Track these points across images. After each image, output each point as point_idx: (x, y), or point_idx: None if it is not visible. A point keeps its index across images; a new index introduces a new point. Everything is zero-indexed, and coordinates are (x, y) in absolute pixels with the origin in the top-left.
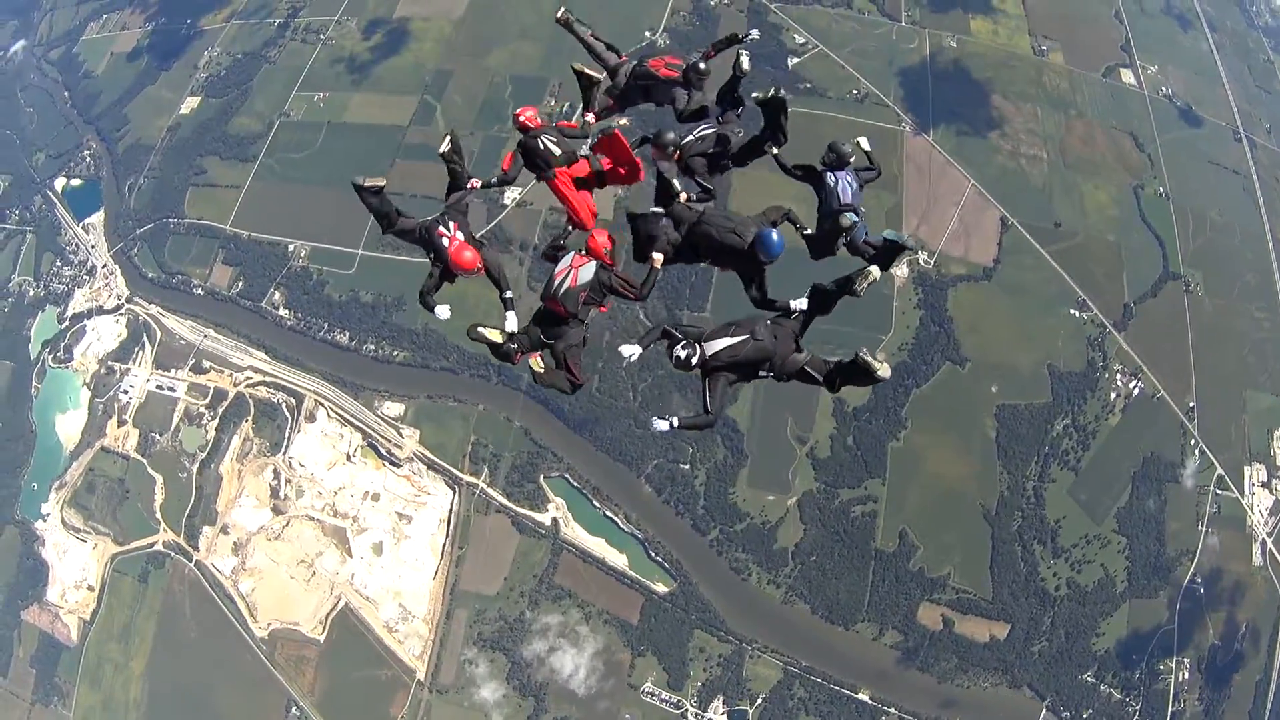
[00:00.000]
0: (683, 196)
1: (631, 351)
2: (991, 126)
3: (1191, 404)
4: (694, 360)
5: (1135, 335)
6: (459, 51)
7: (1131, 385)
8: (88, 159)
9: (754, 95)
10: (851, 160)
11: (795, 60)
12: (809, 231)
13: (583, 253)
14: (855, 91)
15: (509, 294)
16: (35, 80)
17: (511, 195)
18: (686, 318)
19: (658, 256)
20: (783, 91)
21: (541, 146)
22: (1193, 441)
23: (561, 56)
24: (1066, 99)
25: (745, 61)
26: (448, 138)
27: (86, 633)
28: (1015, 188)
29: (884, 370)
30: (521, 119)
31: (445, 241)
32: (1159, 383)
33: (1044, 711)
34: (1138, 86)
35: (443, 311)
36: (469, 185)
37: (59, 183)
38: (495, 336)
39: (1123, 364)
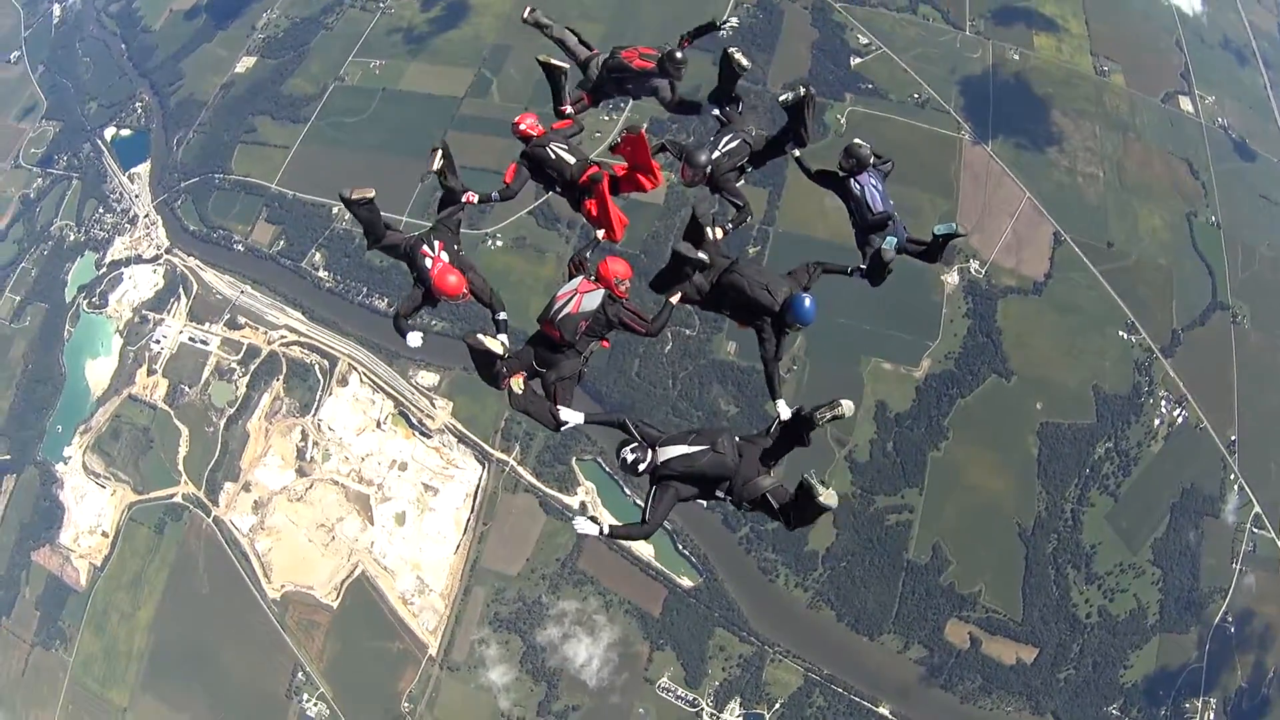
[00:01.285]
0: (717, 234)
1: (570, 418)
2: (1050, 142)
3: (1233, 438)
4: (642, 467)
5: (1181, 363)
6: (518, 27)
7: (1175, 414)
8: (139, 110)
9: (780, 99)
10: (871, 160)
11: (858, 60)
12: (859, 266)
13: (593, 279)
14: (916, 96)
15: (503, 315)
16: (94, 32)
17: None
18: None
19: (677, 295)
20: (811, 89)
21: (553, 155)
22: (1232, 476)
23: (622, 39)
24: (1125, 121)
25: (742, 58)
26: (438, 152)
27: (96, 579)
28: (1070, 204)
29: (829, 498)
30: (522, 127)
31: (428, 263)
32: (1202, 413)
33: None
34: (1195, 115)
35: (414, 339)
36: (464, 199)
37: (108, 132)
38: (496, 347)
39: (1168, 391)
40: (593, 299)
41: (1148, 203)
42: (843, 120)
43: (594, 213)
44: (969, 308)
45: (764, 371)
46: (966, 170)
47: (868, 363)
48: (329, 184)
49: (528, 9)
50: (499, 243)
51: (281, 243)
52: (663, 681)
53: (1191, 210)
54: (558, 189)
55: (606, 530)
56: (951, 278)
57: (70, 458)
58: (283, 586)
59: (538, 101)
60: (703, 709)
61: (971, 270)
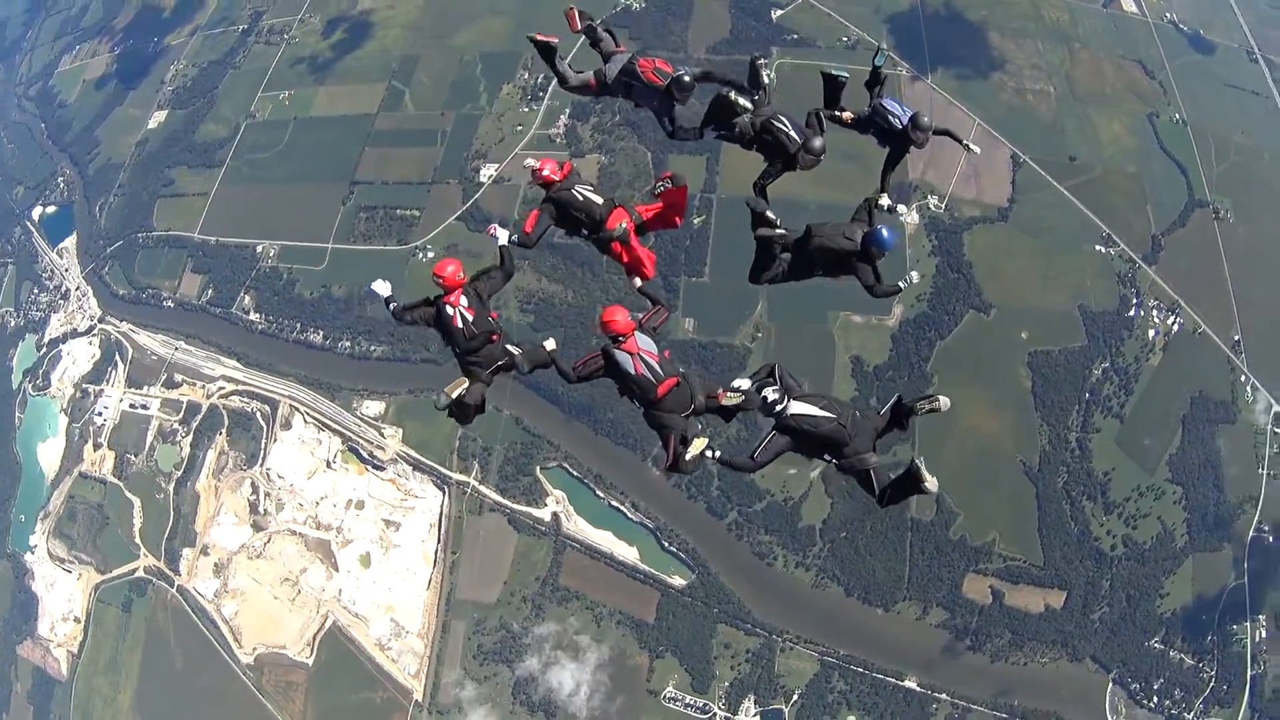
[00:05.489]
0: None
1: (740, 384)
2: (993, 67)
3: (1236, 337)
4: (779, 408)
5: (1167, 268)
6: (425, 34)
7: (1170, 321)
8: (62, 185)
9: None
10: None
11: (779, 12)
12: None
13: (620, 340)
14: (845, 39)
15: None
16: (15, 117)
17: (487, 172)
18: (684, 284)
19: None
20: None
21: (580, 197)
22: (1243, 378)
23: (533, 29)
24: (1068, 31)
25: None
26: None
27: (75, 667)
28: (1024, 124)
29: (932, 484)
30: (545, 173)
31: (453, 312)
32: (1199, 317)
33: (1110, 685)
34: (1140, 14)
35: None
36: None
37: (36, 212)
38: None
39: (1157, 299)
40: (647, 345)
41: (1105, 110)
42: (772, 75)
43: (625, 258)
44: (934, 245)
45: (877, 297)
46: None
47: (836, 317)
48: (250, 224)
49: (579, 21)
50: (430, 254)
51: (209, 291)
52: (668, 691)
53: (1152, 111)
54: (584, 232)
55: (718, 454)
56: (911, 216)
57: (36, 546)
58: (255, 649)
59: (453, 104)
60: (715, 714)
61: (931, 205)
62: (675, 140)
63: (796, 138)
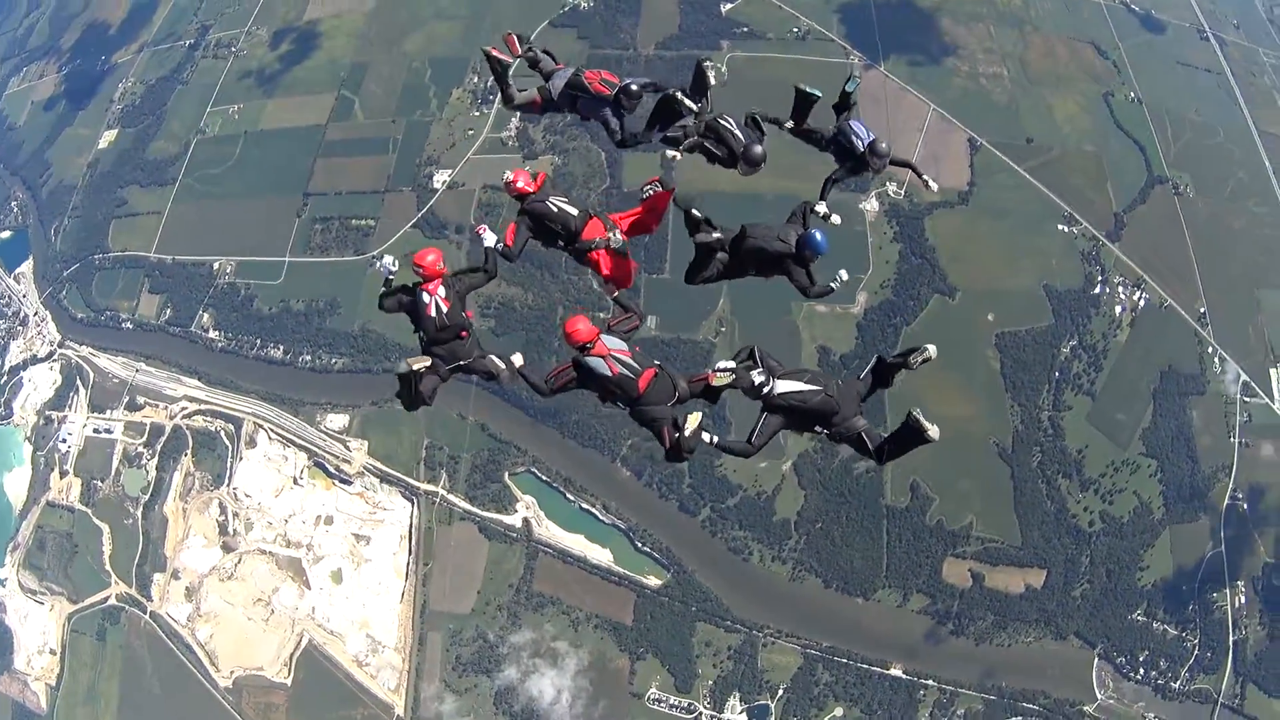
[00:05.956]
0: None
1: (726, 365)
2: (945, 52)
3: (1202, 310)
4: (765, 390)
5: (1130, 244)
6: (374, 42)
7: (1136, 297)
8: (15, 209)
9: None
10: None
11: (729, 5)
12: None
13: (588, 348)
14: (796, 30)
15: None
16: None
17: (441, 178)
18: (645, 281)
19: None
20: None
21: (555, 209)
22: (1210, 349)
23: (481, 34)
24: (1019, 14)
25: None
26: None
27: (54, 700)
28: (979, 108)
29: (934, 432)
30: (519, 185)
31: (429, 300)
32: (1164, 291)
33: (1096, 660)
34: None
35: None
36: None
37: None
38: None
39: (1123, 275)
40: (615, 344)
41: (1059, 91)
42: (723, 69)
43: (604, 268)
44: (895, 231)
45: (810, 298)
46: (864, 96)
47: (800, 308)
48: (206, 241)
49: (520, 46)
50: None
51: (168, 311)
52: (652, 692)
53: (1107, 90)
54: (560, 243)
55: (716, 440)
56: (871, 204)
57: (6, 579)
58: (232, 672)
59: (403, 113)
60: (701, 713)
61: (890, 193)
62: (624, 148)
63: (741, 138)
